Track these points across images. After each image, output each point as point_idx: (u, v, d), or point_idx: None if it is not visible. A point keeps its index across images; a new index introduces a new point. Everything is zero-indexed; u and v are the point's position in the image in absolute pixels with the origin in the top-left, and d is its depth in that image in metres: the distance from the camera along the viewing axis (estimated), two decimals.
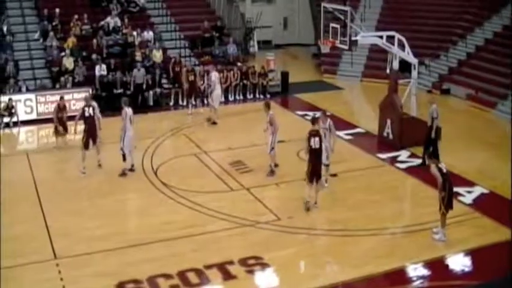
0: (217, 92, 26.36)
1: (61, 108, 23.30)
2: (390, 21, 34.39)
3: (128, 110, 20.10)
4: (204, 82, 28.28)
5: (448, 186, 15.78)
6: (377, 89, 28.67)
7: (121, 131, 20.01)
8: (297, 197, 18.59)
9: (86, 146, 20.57)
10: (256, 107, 28.63)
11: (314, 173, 17.45)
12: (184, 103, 28.60)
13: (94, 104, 21.16)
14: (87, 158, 20.43)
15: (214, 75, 26.53)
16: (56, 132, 23.15)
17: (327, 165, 19.13)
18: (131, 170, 20.47)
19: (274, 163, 20.41)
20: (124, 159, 20.12)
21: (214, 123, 25.88)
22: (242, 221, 17.06)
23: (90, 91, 27.17)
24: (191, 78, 27.44)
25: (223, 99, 28.57)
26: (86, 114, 20.59)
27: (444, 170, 15.87)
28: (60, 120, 23.08)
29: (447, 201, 15.84)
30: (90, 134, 20.51)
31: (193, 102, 27.50)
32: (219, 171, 20.94)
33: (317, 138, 17.30)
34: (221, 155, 22.31)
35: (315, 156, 17.40)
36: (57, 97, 26.58)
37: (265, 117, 20.40)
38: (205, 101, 28.11)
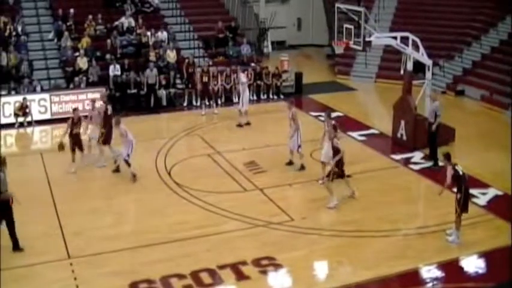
0: (247, 93, 26.40)
1: (75, 122, 20.64)
2: (404, 22, 34.24)
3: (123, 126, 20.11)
4: (218, 83, 28.34)
5: (464, 189, 15.71)
6: (391, 90, 28.64)
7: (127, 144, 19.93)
8: (310, 197, 18.61)
9: (106, 142, 20.94)
10: (270, 107, 28.75)
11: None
12: (198, 103, 28.65)
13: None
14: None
15: (244, 77, 26.64)
16: (60, 146, 20.71)
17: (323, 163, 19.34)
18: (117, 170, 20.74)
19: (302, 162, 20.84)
20: (129, 165, 20.07)
21: (248, 123, 25.96)
22: (255, 221, 17.07)
23: (105, 90, 27.30)
24: (205, 79, 27.48)
25: (237, 99, 28.72)
26: (109, 112, 21.06)
27: (460, 173, 15.77)
28: (75, 137, 20.66)
29: (463, 203, 15.75)
30: (110, 131, 20.79)
31: (207, 103, 27.54)
32: (233, 171, 20.96)
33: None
34: (235, 156, 22.32)
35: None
36: (72, 97, 26.95)
37: (288, 115, 20.84)
38: (220, 102, 28.25)
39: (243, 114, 25.80)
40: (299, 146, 20.63)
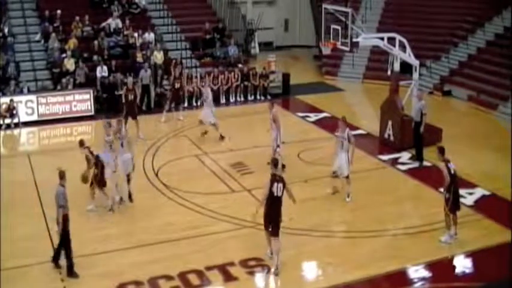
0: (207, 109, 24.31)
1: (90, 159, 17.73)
2: (391, 23, 34.39)
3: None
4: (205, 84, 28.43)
5: (453, 188, 15.78)
6: (378, 91, 28.70)
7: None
8: (298, 198, 18.53)
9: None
10: (257, 108, 28.70)
11: (269, 222, 14.86)
12: (186, 104, 28.65)
13: None
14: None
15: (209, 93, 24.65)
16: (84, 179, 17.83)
17: (347, 177, 18.64)
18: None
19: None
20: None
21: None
22: (243, 222, 17.03)
23: (92, 92, 27.28)
24: (177, 85, 26.88)
25: (224, 100, 28.79)
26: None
27: (452, 171, 15.82)
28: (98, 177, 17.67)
29: (452, 202, 15.80)
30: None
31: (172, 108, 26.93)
32: (220, 172, 20.94)
33: (280, 185, 14.58)
34: (222, 157, 22.31)
35: (276, 204, 14.69)
36: (59, 98, 26.89)
37: (269, 116, 20.57)
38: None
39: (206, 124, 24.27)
40: (278, 146, 20.39)
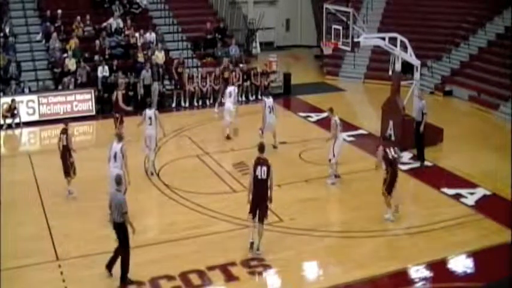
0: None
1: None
2: (392, 23, 34.34)
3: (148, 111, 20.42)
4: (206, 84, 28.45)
5: (391, 172, 16.87)
6: (379, 91, 28.67)
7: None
8: (299, 198, 18.62)
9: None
10: (258, 108, 28.61)
11: (256, 207, 15.37)
12: (187, 104, 28.65)
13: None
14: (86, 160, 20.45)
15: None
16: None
17: (329, 160, 19.70)
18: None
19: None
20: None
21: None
22: (244, 222, 17.02)
23: (93, 92, 27.30)
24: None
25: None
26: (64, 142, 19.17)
27: (390, 156, 16.85)
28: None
29: (388, 184, 16.97)
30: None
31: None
32: (222, 172, 20.96)
33: (264, 168, 15.07)
34: (224, 156, 22.34)
35: (261, 187, 15.20)
36: (60, 98, 26.93)
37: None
38: (208, 103, 28.32)
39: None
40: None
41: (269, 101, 23.13)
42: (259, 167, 15.00)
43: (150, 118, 20.45)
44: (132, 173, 20.12)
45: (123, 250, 14.14)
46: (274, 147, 22.75)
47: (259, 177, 15.01)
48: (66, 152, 18.56)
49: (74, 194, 18.72)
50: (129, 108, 23.99)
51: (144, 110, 20.86)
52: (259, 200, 15.21)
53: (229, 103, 24.19)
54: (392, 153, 16.96)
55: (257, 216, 15.28)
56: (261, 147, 15.54)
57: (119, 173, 15.62)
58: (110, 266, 14.38)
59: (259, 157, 15.20)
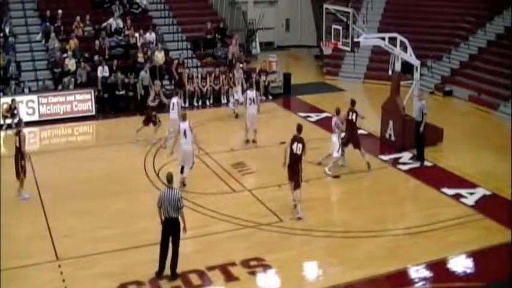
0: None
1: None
2: (392, 23, 34.33)
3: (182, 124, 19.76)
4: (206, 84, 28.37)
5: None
6: (379, 91, 28.68)
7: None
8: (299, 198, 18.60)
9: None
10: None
11: (290, 177, 17.61)
12: (187, 104, 28.66)
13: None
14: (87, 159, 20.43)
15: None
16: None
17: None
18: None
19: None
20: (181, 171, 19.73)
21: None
22: (244, 222, 17.06)
23: (93, 92, 27.29)
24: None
25: (225, 100, 29.04)
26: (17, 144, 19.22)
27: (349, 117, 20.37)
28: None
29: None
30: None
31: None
32: (221, 172, 20.94)
33: (300, 145, 17.24)
34: (223, 156, 22.31)
35: (294, 161, 17.33)
36: (60, 98, 26.99)
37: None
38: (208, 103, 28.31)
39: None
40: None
41: (251, 93, 23.99)
42: (295, 143, 17.24)
43: (173, 104, 22.84)
44: (132, 173, 20.28)
45: (177, 244, 14.34)
46: (253, 141, 23.56)
47: (295, 151, 17.23)
48: (18, 154, 18.72)
49: (27, 196, 18.71)
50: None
51: (170, 99, 23.30)
52: (292, 172, 17.42)
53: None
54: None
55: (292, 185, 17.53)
56: (299, 128, 17.59)
57: (172, 172, 15.29)
58: (173, 268, 14.45)
59: (295, 135, 17.42)
